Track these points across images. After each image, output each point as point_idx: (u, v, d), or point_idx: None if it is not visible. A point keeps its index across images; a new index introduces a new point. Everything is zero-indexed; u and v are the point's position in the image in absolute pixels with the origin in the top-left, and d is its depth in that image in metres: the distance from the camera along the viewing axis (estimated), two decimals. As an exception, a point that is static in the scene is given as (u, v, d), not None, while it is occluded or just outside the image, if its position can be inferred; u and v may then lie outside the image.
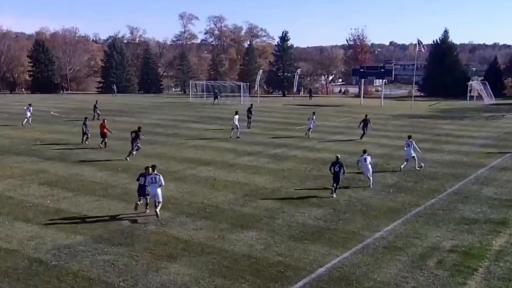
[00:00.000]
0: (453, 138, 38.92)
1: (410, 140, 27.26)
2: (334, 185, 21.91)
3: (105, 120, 34.28)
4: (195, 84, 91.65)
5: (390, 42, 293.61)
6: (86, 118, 35.64)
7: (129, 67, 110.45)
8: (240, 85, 75.98)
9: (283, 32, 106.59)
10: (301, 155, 31.48)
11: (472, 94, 76.92)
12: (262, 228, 17.84)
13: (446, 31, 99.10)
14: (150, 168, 19.06)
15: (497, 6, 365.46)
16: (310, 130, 38.87)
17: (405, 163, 27.07)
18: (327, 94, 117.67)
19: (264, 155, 31.25)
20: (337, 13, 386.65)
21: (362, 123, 37.93)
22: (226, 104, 70.02)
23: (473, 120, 52.36)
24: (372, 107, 64.63)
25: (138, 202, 19.07)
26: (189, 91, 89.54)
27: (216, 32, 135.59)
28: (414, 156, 27.05)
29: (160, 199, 18.85)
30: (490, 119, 53.02)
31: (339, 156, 22.77)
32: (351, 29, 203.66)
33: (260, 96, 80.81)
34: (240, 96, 74.16)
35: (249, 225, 18.06)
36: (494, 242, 16.62)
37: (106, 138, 33.26)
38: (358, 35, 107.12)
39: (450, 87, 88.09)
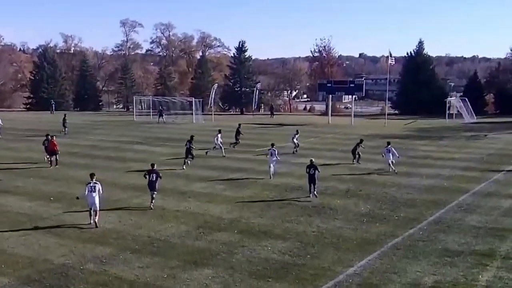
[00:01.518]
0: (431, 161, 39.61)
1: (390, 146, 34.20)
2: (311, 186, 26.12)
3: (54, 137, 36.53)
4: (140, 100, 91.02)
5: (360, 54, 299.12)
6: (48, 135, 37.24)
7: (62, 80, 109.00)
8: (192, 101, 75.79)
9: (240, 42, 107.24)
10: (262, 181, 31.43)
11: (451, 112, 78.52)
12: (219, 264, 17.64)
13: (421, 42, 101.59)
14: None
15: (475, 18, 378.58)
16: (297, 148, 42.31)
17: (391, 166, 33.68)
18: (290, 111, 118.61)
19: (220, 181, 31.09)
20: (301, 22, 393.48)
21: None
22: (176, 123, 69.73)
23: (453, 140, 53.47)
24: (341, 126, 65.39)
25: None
26: (132, 108, 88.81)
27: (164, 41, 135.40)
28: (391, 162, 33.33)
29: (98, 208, 21.53)
30: (472, 139, 54.26)
31: (313, 159, 27.17)
32: (316, 39, 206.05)
33: (214, 114, 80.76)
34: (192, 114, 73.91)
35: (204, 262, 17.83)
36: (480, 276, 16.84)
37: (58, 155, 35.50)
38: (324, 46, 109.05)
39: (426, 103, 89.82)
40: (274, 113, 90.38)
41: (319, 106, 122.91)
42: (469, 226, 22.28)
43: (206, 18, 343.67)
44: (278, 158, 32.70)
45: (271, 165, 32.13)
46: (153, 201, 24.80)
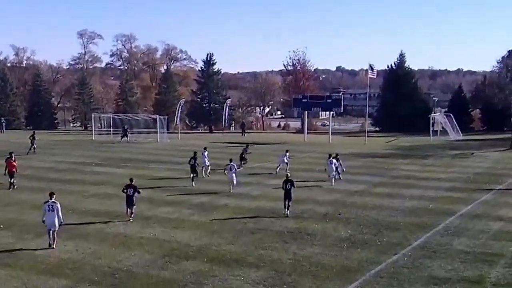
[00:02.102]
0: (415, 181, 39.93)
1: (332, 158, 38.71)
2: (286, 202, 27.71)
3: (13, 156, 36.74)
4: (99, 117, 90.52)
5: (337, 67, 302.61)
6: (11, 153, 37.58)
7: (13, 96, 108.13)
8: (156, 119, 75.46)
9: (207, 54, 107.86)
10: (233, 204, 31.36)
11: (435, 128, 79.32)
12: (187, 296, 17.48)
13: (402, 55, 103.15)
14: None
15: (459, 29, 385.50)
16: (279, 167, 43.01)
17: (333, 179, 37.58)
18: (263, 129, 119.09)
19: (187, 205, 30.93)
20: (273, 33, 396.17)
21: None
22: (139, 142, 69.34)
23: (438, 159, 54.03)
24: (318, 145, 65.66)
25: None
26: (91, 126, 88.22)
27: (125, 53, 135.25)
28: (335, 173, 37.93)
29: (57, 228, 22.23)
30: (458, 158, 54.90)
31: (289, 174, 29.48)
32: (290, 51, 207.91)
33: (181, 132, 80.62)
34: (156, 132, 73.53)
35: (171, 294, 17.66)
36: (469, 305, 16.93)
37: (14, 178, 35.84)
38: (298, 59, 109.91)
39: (409, 120, 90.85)
40: (246, 131, 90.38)
41: (294, 123, 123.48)
42: (457, 250, 22.44)
43: (171, 29, 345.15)
44: (237, 170, 36.22)
45: (232, 179, 35.15)
46: (132, 215, 27.21)
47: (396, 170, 45.61)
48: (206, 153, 42.36)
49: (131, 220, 26.80)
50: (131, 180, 28.10)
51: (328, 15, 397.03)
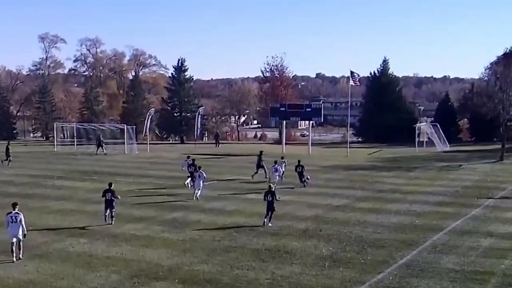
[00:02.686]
0: (400, 195, 40.11)
1: (279, 162, 44.02)
2: (269, 213, 28.84)
3: None
4: (62, 127, 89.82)
5: (317, 74, 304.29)
6: None
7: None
8: (124, 129, 75.10)
9: (179, 60, 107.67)
10: (207, 220, 31.21)
11: (421, 139, 79.90)
12: (157, 320, 17.32)
13: (385, 61, 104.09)
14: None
15: (446, 35, 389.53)
16: (278, 176, 44.15)
17: (277, 179, 41.48)
18: (238, 140, 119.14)
19: (157, 221, 30.72)
20: (249, 38, 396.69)
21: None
22: (106, 153, 68.86)
23: (424, 171, 54.40)
24: (297, 156, 65.55)
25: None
26: (53, 136, 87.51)
27: (90, 59, 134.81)
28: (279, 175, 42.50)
29: (22, 238, 22.69)
30: (445, 170, 55.30)
31: (271, 185, 30.21)
32: (267, 57, 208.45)
33: (150, 143, 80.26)
34: (124, 143, 73.16)
35: (140, 317, 17.50)
36: (459, 327, 16.97)
37: None
38: (276, 65, 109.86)
39: (393, 130, 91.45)
40: (220, 141, 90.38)
41: (272, 134, 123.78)
42: (445, 269, 22.49)
43: (140, 33, 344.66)
44: (206, 178, 37.82)
45: (198, 187, 37.04)
46: (113, 218, 29.42)
47: (380, 183, 45.81)
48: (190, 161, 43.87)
49: (112, 223, 29.07)
50: (110, 184, 30.01)
51: (307, 19, 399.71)
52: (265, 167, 47.26)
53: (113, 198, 29.33)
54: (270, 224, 28.97)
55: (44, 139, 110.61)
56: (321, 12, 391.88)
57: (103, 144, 70.45)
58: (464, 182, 46.47)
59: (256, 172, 47.45)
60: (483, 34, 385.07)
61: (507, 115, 63.24)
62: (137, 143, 77.88)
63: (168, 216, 32.19)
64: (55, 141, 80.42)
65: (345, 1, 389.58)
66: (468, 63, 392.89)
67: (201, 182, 36.98)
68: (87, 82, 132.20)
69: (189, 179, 40.97)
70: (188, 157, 45.15)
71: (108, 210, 29.40)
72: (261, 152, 50.34)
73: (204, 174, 37.55)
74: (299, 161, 44.27)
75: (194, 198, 36.61)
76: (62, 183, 44.75)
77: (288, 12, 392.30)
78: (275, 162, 44.11)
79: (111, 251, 24.68)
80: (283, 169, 45.89)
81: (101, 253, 24.44)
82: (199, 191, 36.98)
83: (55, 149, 74.53)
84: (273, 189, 29.63)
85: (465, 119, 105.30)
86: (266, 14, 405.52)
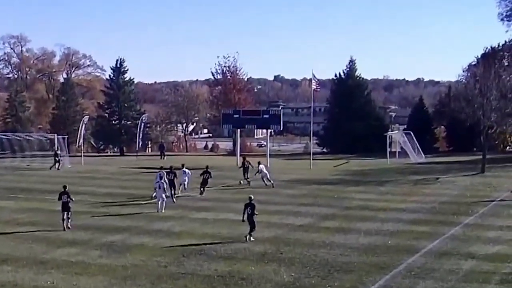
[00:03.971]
0: (371, 213, 40.31)
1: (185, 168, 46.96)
2: (250, 229, 30.29)
3: None
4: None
5: (276, 77, 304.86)
6: None
7: None
8: (54, 139, 74.26)
9: (117, 60, 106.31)
10: (151, 243, 31.00)
11: (393, 150, 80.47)
12: None
13: (352, 62, 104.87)
14: None
15: (418, 33, 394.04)
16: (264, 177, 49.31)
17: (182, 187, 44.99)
18: (186, 151, 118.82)
19: (94, 245, 30.41)
20: (198, 37, 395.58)
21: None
22: (33, 168, 68.07)
23: (397, 186, 54.81)
24: (253, 169, 65.60)
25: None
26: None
27: (15, 59, 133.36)
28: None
29: None
30: (420, 184, 55.79)
31: (252, 196, 31.37)
32: (218, 57, 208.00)
33: (85, 155, 79.45)
34: (55, 155, 72.20)
35: None
36: None
37: None
38: (228, 66, 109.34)
39: (362, 139, 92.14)
40: (166, 153, 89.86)
41: (225, 144, 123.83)
42: (422, 295, 22.68)
43: (72, 30, 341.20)
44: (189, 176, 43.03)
45: (160, 199, 39.06)
46: (70, 221, 33.12)
47: (347, 199, 45.96)
48: (186, 170, 47.65)
49: (69, 228, 32.84)
50: (64, 187, 34.27)
51: (263, 16, 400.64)
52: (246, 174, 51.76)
53: (69, 200, 33.21)
54: (248, 239, 30.52)
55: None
56: (279, 8, 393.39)
57: (60, 158, 67.76)
58: (442, 198, 46.88)
59: (246, 178, 52.41)
60: (461, 34, 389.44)
61: (488, 122, 63.59)
62: (70, 156, 77.10)
63: (106, 239, 31.89)
64: (-26, 154, 79.33)
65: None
66: (444, 64, 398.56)
67: (186, 177, 43.96)
68: (11, 86, 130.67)
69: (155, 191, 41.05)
70: (161, 167, 46.16)
71: (65, 213, 32.90)
72: (244, 157, 56.62)
73: (165, 186, 40.46)
74: (207, 167, 48.30)
75: (158, 210, 38.95)
76: (-18, 202, 44.06)
77: (241, 9, 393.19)
78: (182, 165, 47.96)
79: (40, 280, 24.33)
80: (267, 170, 50.74)
81: (28, 282, 24.08)
82: (161, 202, 39.10)
83: (-26, 163, 73.36)
84: (252, 201, 31.09)
85: (442, 127, 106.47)
86: (216, 11, 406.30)
